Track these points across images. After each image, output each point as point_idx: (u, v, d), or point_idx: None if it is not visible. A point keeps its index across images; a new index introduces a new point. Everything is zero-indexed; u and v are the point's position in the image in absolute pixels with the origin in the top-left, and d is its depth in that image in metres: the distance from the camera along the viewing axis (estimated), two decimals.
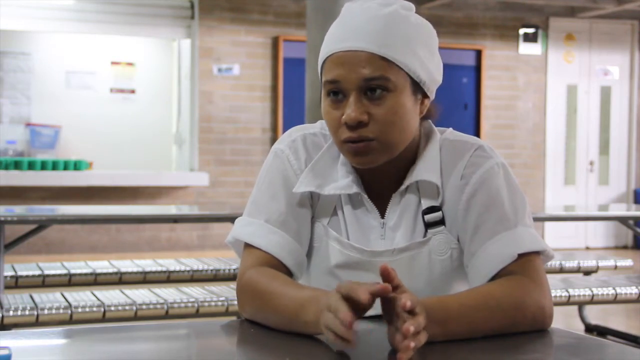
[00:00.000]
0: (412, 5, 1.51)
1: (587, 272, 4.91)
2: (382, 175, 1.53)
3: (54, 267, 4.22)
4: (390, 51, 1.44)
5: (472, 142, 1.55)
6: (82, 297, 3.62)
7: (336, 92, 1.46)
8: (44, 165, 7.78)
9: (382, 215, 1.54)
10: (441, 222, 1.52)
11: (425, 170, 1.52)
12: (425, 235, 1.52)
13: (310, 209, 1.56)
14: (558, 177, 9.49)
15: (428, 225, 1.52)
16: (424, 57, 1.47)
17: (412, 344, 1.18)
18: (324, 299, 1.29)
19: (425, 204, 1.52)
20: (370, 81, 1.43)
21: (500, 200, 1.49)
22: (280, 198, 1.55)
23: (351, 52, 1.44)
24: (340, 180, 1.54)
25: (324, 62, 1.49)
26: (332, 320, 1.22)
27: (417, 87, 1.48)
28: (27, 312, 3.38)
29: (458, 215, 1.51)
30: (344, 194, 1.55)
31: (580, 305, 5.00)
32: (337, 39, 1.47)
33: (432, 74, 1.49)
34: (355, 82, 1.43)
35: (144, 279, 4.30)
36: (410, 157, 1.53)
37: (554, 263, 4.77)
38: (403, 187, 1.52)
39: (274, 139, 8.23)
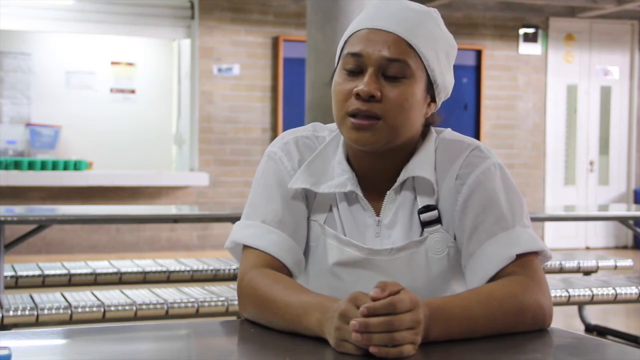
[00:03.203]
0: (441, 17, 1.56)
1: (587, 272, 4.91)
2: (377, 173, 1.54)
3: (54, 267, 4.22)
4: (417, 40, 1.47)
5: (469, 143, 1.55)
6: (82, 297, 3.62)
7: (354, 71, 1.47)
8: (44, 165, 7.78)
9: (378, 214, 1.55)
10: (437, 220, 1.52)
11: (419, 166, 1.52)
12: (421, 234, 1.52)
13: (306, 208, 1.57)
14: (558, 177, 9.48)
15: (424, 224, 1.52)
16: (443, 63, 1.51)
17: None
18: (329, 305, 1.30)
19: (421, 202, 1.53)
20: (391, 62, 1.46)
21: (497, 200, 1.49)
22: (275, 198, 1.55)
23: (380, 30, 1.48)
24: (336, 179, 1.54)
25: (348, 38, 1.51)
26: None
27: (430, 88, 1.50)
28: (27, 312, 3.38)
29: (455, 216, 1.51)
30: (339, 192, 1.55)
31: (580, 305, 4.99)
32: (368, 18, 1.51)
33: (445, 82, 1.52)
34: (376, 59, 1.46)
35: (144, 279, 4.30)
36: (407, 155, 1.54)
37: (554, 263, 4.77)
38: (397, 183, 1.53)
39: (273, 139, 8.21)
